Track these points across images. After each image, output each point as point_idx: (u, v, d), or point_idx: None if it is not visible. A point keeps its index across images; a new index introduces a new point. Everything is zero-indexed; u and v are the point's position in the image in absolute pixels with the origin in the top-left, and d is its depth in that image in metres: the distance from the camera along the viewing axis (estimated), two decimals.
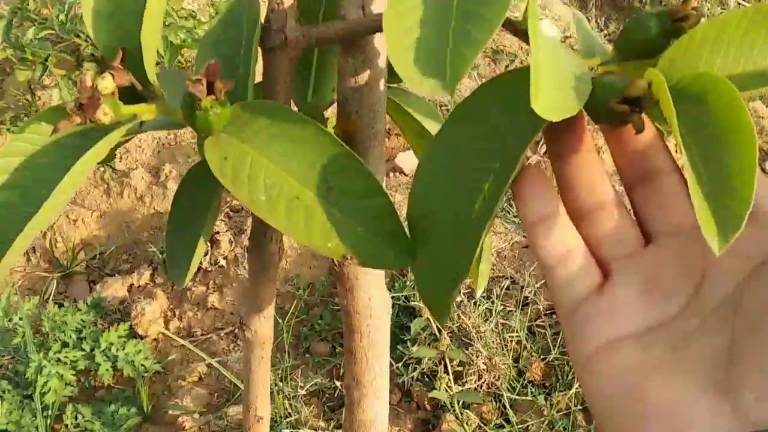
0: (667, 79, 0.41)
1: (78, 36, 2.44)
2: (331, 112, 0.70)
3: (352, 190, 0.51)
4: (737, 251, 0.38)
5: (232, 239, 2.22)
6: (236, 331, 2.05)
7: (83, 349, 1.93)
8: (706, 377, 0.37)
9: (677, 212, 0.42)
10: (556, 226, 0.43)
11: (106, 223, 2.38)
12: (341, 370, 1.90)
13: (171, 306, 2.13)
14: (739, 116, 0.37)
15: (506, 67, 2.89)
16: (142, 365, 1.94)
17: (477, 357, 1.85)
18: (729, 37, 0.43)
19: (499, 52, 2.96)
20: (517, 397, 1.84)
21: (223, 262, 2.18)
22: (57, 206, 0.49)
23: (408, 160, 2.40)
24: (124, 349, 1.93)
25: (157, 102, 0.53)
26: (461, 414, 1.78)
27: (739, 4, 3.73)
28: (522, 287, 1.98)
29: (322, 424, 1.86)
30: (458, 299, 1.92)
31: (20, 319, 1.93)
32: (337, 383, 1.91)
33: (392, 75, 0.66)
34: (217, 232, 2.24)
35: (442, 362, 1.86)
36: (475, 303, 1.92)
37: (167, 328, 2.09)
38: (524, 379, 1.87)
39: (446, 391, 1.82)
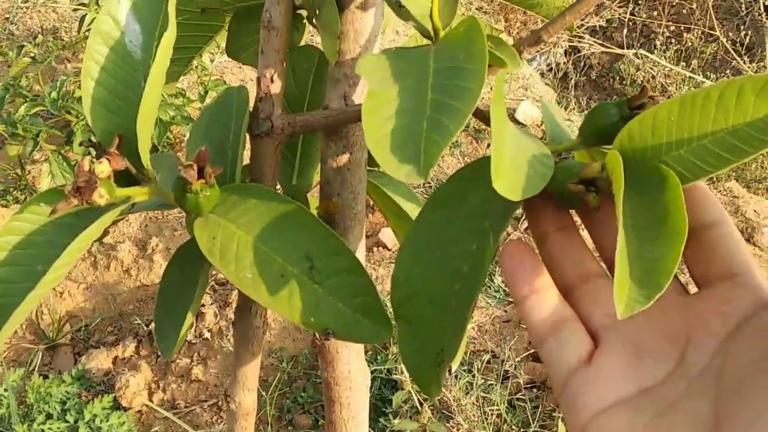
0: (624, 154, 0.45)
1: (69, 113, 2.49)
2: (312, 194, 0.74)
3: (333, 269, 0.54)
4: (719, 311, 0.41)
5: (217, 312, 2.23)
6: (220, 403, 2.06)
7: (67, 421, 1.92)
8: None
9: None
10: (545, 298, 0.45)
11: (92, 295, 2.39)
12: None
13: (155, 378, 2.14)
14: (677, 214, 0.40)
15: (488, 145, 2.95)
16: None
17: (458, 430, 1.86)
18: (689, 114, 0.46)
19: (481, 131, 3.03)
20: None
21: (207, 335, 2.20)
22: (54, 282, 0.52)
23: (390, 236, 2.44)
24: (108, 420, 1.93)
25: (150, 185, 0.57)
26: None
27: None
28: (502, 361, 2.00)
29: None
30: None
31: (5, 390, 1.93)
32: None
33: (372, 159, 0.70)
34: (203, 305, 2.26)
35: None
36: (455, 376, 1.94)
37: (151, 400, 2.09)
38: None
39: None
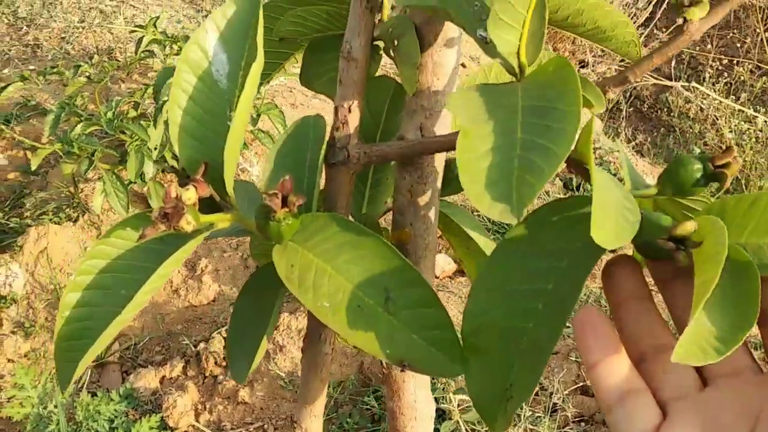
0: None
1: (123, 133, 2.53)
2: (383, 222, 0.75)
3: (409, 300, 0.54)
4: None
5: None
6: (266, 426, 2.06)
7: None
8: None
9: (734, 356, 0.42)
10: (616, 367, 0.45)
11: (141, 314, 2.41)
12: None
13: (202, 399, 2.15)
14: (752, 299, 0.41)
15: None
16: None
17: None
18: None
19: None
20: None
21: None
22: (139, 307, 0.53)
23: (440, 262, 2.44)
24: None
25: (232, 212, 0.57)
26: None
27: None
28: (551, 393, 1.98)
29: None
30: None
31: (55, 407, 1.96)
32: None
33: (442, 189, 0.71)
34: None
35: None
36: None
37: (198, 421, 2.10)
38: None
39: None
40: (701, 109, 4.23)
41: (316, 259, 0.57)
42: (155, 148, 2.48)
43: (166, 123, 2.46)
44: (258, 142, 2.89)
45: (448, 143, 0.62)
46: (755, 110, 4.07)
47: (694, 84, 4.22)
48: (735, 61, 4.67)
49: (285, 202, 0.55)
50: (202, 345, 2.27)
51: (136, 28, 2.78)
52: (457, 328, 0.54)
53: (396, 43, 0.64)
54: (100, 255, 0.56)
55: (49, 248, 2.58)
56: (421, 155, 0.65)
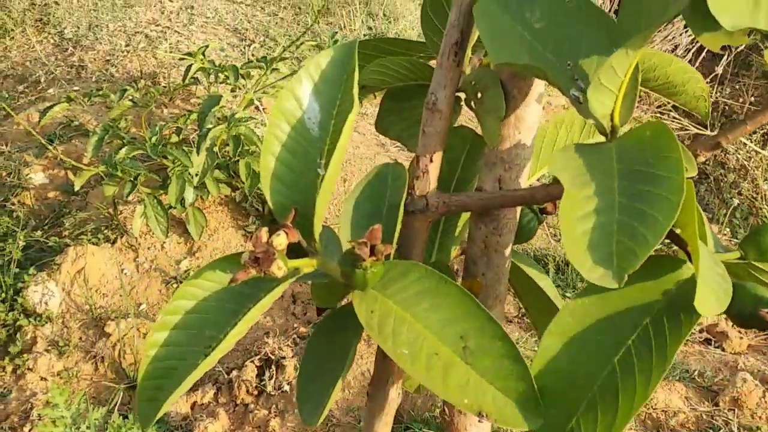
0: None
1: (165, 158, 2.56)
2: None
3: (488, 351, 0.55)
4: None
5: (297, 365, 2.25)
6: None
7: None
8: None
9: None
10: None
11: None
12: None
13: (232, 427, 2.15)
14: None
15: None
16: None
17: None
18: None
19: None
20: None
21: (287, 387, 2.21)
22: (227, 349, 0.54)
23: None
24: None
25: (317, 257, 0.58)
26: None
27: None
28: None
29: None
30: None
31: (87, 428, 1.96)
32: None
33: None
34: (283, 357, 2.28)
35: None
36: None
37: None
38: None
39: None
40: (736, 159, 4.21)
41: (395, 306, 0.57)
42: (196, 175, 2.51)
43: (208, 149, 2.49)
44: None
45: (529, 197, 0.63)
46: None
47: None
48: None
49: (372, 251, 0.56)
50: (234, 372, 2.28)
51: (184, 56, 2.82)
52: None
53: (479, 95, 0.66)
54: (187, 296, 0.57)
55: (87, 268, 2.60)
56: (500, 208, 0.66)
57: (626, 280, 0.42)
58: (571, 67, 0.56)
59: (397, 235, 0.63)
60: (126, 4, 4.22)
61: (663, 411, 2.18)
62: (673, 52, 4.65)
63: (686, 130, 4.41)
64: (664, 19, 0.46)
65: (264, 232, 0.55)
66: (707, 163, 4.41)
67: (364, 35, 4.20)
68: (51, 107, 2.65)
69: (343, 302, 0.70)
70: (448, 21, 0.64)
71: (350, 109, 0.56)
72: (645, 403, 0.51)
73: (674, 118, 4.48)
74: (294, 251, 0.57)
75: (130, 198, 2.60)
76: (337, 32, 3.29)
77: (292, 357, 2.28)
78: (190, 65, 2.72)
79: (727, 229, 3.59)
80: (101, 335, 2.44)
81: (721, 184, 4.22)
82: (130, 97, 2.76)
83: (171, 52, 3.69)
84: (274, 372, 2.25)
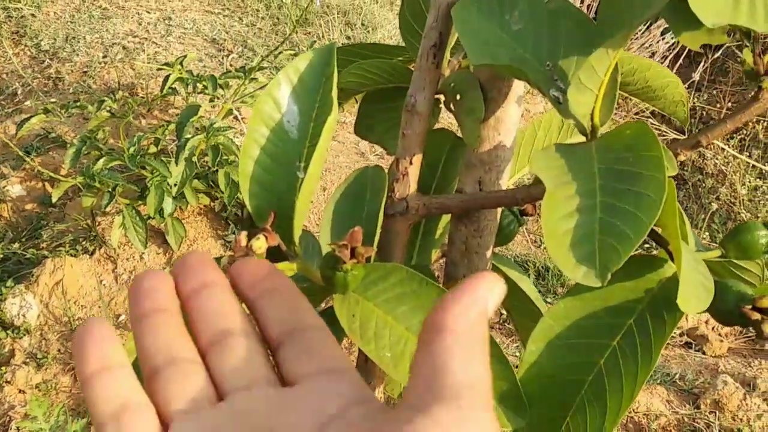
0: None
1: (143, 168, 2.54)
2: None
3: None
4: (308, 409, 0.38)
5: None
6: None
7: None
8: None
9: (251, 368, 0.41)
10: (116, 379, 0.39)
11: None
12: None
13: None
14: None
15: None
16: None
17: None
18: None
19: None
20: None
21: None
22: None
23: None
24: None
25: (297, 261, 0.58)
26: None
27: None
28: None
29: None
30: None
31: None
32: None
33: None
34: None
35: None
36: None
37: None
38: None
39: None
40: (714, 164, 4.24)
41: (377, 309, 0.57)
42: (175, 185, 2.49)
43: (187, 159, 2.48)
44: None
45: (509, 198, 0.63)
46: None
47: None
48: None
49: (353, 253, 0.55)
50: None
51: (162, 66, 2.81)
52: None
53: (458, 97, 0.65)
54: None
55: (65, 280, 2.58)
56: (480, 209, 0.66)
57: (609, 279, 0.42)
58: (551, 67, 0.56)
59: (377, 238, 0.63)
60: (103, 16, 4.20)
61: (645, 414, 2.19)
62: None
63: (664, 136, 4.43)
64: (644, 17, 0.46)
65: (243, 236, 0.54)
66: (685, 168, 4.44)
67: (343, 44, 4.20)
68: (28, 119, 2.63)
69: (322, 306, 0.69)
70: (427, 23, 0.64)
71: (329, 112, 0.56)
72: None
73: (652, 124, 4.50)
74: (273, 255, 0.57)
75: (108, 209, 2.58)
76: (315, 42, 3.29)
77: None
78: (168, 75, 2.70)
79: (706, 234, 3.62)
80: None
81: (700, 189, 4.24)
82: (108, 108, 2.75)
83: (149, 63, 3.68)
84: None
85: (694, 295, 0.44)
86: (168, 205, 2.50)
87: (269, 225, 0.56)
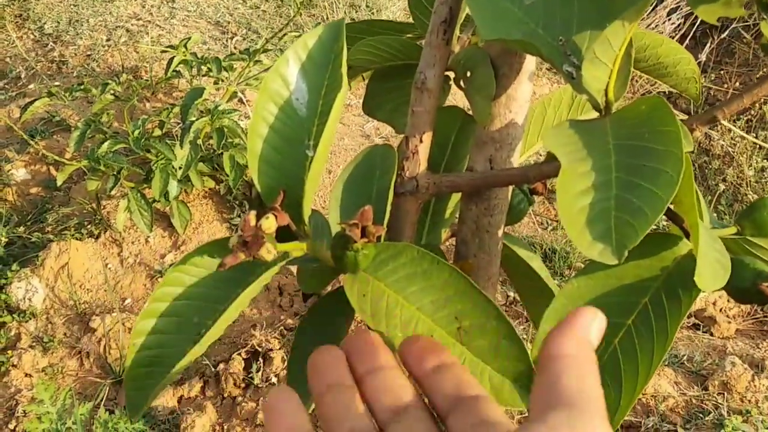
0: None
1: (148, 151, 2.53)
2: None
3: (483, 332, 0.54)
4: None
5: (285, 357, 2.23)
6: None
7: None
8: None
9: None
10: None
11: None
12: None
13: (220, 420, 2.14)
14: None
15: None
16: None
17: None
18: None
19: (554, 191, 3.02)
20: None
21: (274, 379, 2.20)
22: (216, 336, 0.52)
23: None
24: None
25: (307, 240, 0.57)
26: None
27: None
28: None
29: None
30: None
31: (73, 423, 1.95)
32: None
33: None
34: (270, 350, 2.26)
35: None
36: None
37: None
38: None
39: None
40: (721, 146, 4.22)
41: (387, 289, 0.56)
42: (180, 168, 2.49)
43: (191, 142, 2.47)
44: None
45: (521, 176, 0.62)
46: None
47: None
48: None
49: (364, 232, 0.54)
50: (221, 365, 2.26)
51: (167, 49, 2.79)
52: None
53: (469, 74, 0.64)
54: (175, 282, 0.56)
55: (70, 264, 2.58)
56: (491, 187, 0.65)
57: (626, 256, 0.41)
58: (563, 42, 0.55)
59: (387, 217, 0.62)
60: None
61: (653, 396, 2.18)
62: None
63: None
64: None
65: (252, 216, 0.53)
66: (692, 150, 4.41)
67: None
68: (32, 102, 2.62)
69: (329, 288, 0.69)
70: None
71: (339, 89, 0.55)
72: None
73: None
74: (282, 236, 0.56)
75: (113, 192, 2.58)
76: (319, 23, 3.27)
77: (279, 349, 2.27)
78: (172, 58, 2.69)
79: (713, 215, 3.61)
80: (86, 331, 2.42)
81: (706, 171, 4.23)
82: (112, 92, 2.74)
83: (153, 45, 3.66)
84: (262, 364, 2.23)
85: (711, 273, 0.43)
86: (173, 188, 2.50)
87: (278, 204, 0.55)
